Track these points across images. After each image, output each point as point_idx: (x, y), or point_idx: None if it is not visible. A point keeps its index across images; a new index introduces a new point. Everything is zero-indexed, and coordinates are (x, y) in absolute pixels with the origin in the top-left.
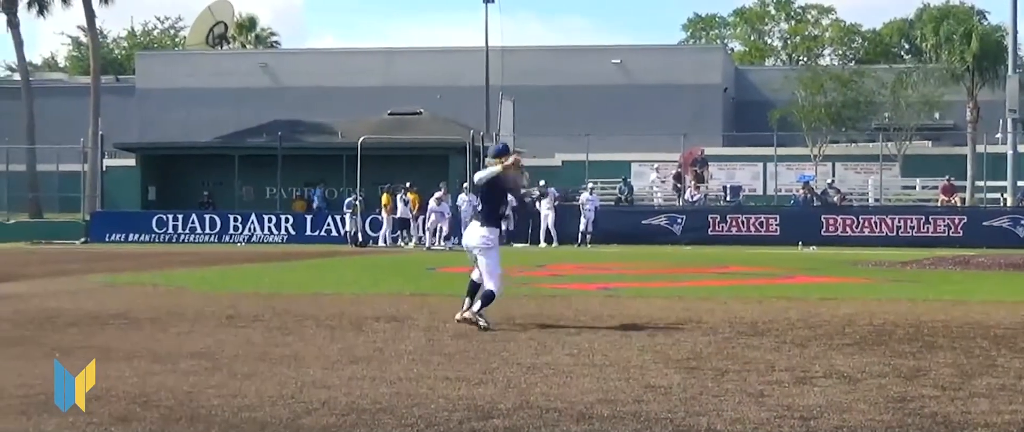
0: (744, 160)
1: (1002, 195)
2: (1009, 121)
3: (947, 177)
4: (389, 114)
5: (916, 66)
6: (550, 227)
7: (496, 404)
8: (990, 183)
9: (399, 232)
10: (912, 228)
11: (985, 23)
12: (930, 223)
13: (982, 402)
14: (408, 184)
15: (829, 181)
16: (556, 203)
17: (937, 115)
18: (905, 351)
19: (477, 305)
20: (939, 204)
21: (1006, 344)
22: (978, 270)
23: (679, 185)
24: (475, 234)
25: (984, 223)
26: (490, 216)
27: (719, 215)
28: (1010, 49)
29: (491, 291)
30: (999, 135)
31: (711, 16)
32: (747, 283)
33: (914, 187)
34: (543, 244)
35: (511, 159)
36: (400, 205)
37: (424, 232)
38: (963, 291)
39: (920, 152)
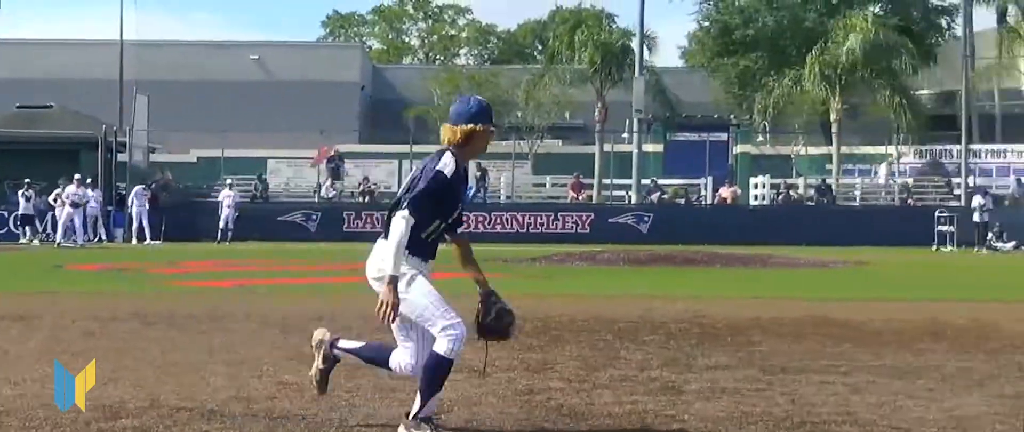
0: (381, 157)
1: (627, 192)
2: (635, 121)
3: (576, 174)
4: (18, 107)
5: (548, 67)
6: None
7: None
8: (616, 181)
9: (24, 228)
10: (542, 224)
11: (614, 26)
12: (559, 219)
13: (605, 394)
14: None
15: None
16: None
17: (568, 115)
18: (534, 345)
19: (416, 404)
20: (568, 201)
21: (628, 337)
22: (604, 266)
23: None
24: (374, 262)
25: (610, 220)
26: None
27: (354, 211)
28: (637, 52)
29: (442, 356)
30: (625, 135)
31: (350, 13)
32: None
33: (544, 184)
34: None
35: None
36: (22, 201)
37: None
38: (588, 286)
39: (551, 150)
